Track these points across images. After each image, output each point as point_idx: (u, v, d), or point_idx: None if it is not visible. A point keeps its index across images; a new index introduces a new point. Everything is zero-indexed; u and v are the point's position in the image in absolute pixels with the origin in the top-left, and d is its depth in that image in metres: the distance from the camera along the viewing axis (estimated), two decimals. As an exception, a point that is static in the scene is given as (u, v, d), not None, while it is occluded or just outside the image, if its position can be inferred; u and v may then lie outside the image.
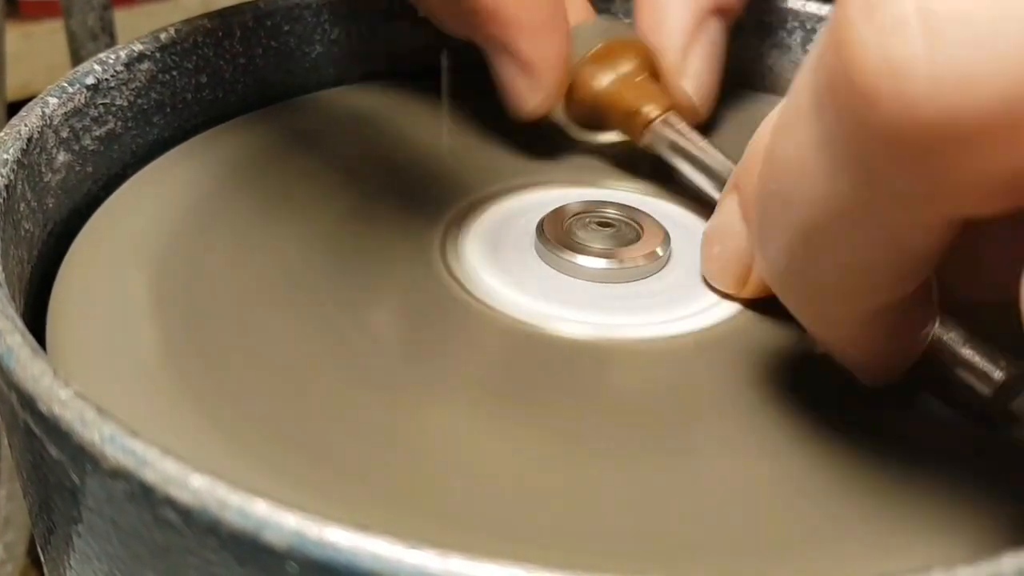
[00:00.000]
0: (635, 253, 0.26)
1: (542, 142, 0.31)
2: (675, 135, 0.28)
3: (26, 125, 0.24)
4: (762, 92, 0.36)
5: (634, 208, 0.27)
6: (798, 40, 0.35)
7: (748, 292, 0.24)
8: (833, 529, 0.19)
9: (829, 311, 0.20)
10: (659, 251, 0.26)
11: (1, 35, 0.46)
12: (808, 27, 0.35)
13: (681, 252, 0.27)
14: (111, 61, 0.28)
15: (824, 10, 0.35)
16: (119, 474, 0.16)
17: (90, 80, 0.27)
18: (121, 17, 0.43)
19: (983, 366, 0.21)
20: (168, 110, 0.30)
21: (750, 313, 0.25)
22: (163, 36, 0.29)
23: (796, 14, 0.35)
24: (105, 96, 0.28)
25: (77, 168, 0.27)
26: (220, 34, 0.31)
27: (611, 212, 0.27)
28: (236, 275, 0.25)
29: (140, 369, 0.21)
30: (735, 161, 0.24)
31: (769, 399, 0.22)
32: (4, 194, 0.22)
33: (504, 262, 0.26)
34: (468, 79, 0.32)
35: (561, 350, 0.23)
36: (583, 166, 0.31)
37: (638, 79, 0.29)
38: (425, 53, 0.35)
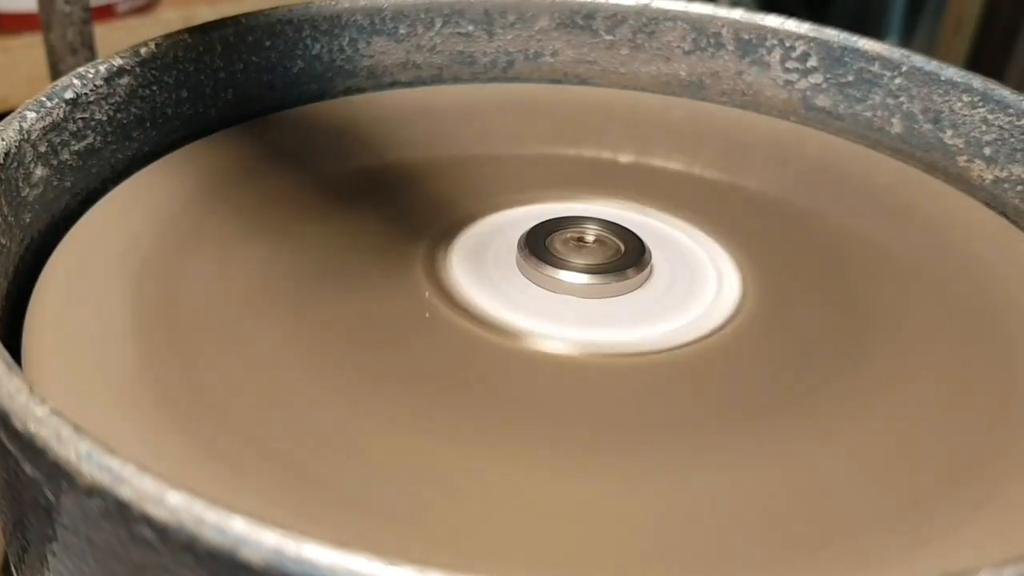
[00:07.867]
0: (616, 268, 0.26)
1: (524, 158, 0.31)
2: None
3: (3, 139, 0.24)
4: (741, 108, 0.36)
5: (615, 223, 0.27)
6: (777, 58, 0.36)
7: None
8: (831, 537, 0.19)
9: None
10: (640, 266, 0.26)
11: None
12: (787, 44, 0.35)
13: (662, 267, 0.27)
14: (91, 75, 0.28)
15: (803, 28, 0.35)
16: (95, 491, 0.15)
17: (69, 94, 0.27)
18: (101, 31, 0.43)
19: None
20: (148, 125, 0.30)
21: (734, 325, 0.25)
22: (143, 51, 0.29)
23: (775, 32, 0.36)
24: (84, 110, 0.27)
25: (55, 183, 0.27)
26: (201, 49, 0.31)
27: (592, 227, 0.27)
28: (216, 290, 0.25)
29: (118, 386, 0.21)
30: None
31: (756, 410, 0.22)
32: (-19, 208, 0.22)
33: (487, 278, 0.26)
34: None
35: (544, 366, 0.23)
36: (565, 182, 0.31)
37: None
38: (405, 68, 0.36)
